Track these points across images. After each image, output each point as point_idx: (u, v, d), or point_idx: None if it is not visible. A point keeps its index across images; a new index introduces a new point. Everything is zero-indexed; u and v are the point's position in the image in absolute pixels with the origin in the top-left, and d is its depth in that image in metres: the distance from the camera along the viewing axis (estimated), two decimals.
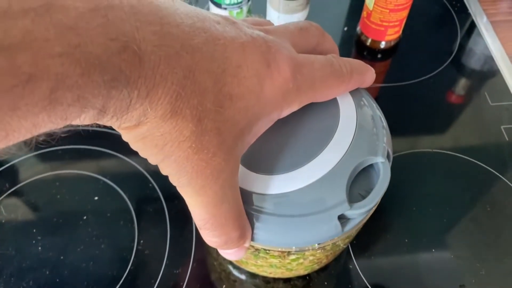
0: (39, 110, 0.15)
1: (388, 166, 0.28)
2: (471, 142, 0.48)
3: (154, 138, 0.20)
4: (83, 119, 0.18)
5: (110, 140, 0.46)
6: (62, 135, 0.19)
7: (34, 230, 0.41)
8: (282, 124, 0.27)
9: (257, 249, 0.29)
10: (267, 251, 0.29)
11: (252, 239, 0.27)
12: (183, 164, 0.21)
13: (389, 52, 0.56)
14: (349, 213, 0.27)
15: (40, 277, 0.39)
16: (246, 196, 0.26)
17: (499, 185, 0.45)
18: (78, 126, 0.20)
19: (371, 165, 0.29)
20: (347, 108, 0.29)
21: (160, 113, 0.19)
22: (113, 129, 0.49)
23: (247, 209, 0.26)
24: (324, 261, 0.34)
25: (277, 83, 0.23)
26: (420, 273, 0.40)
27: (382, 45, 0.55)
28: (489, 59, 0.56)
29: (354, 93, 0.30)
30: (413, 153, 0.47)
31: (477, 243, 0.41)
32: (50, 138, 0.20)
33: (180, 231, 0.41)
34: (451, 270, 0.40)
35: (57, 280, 0.38)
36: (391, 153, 0.29)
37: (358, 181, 0.28)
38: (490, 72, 0.55)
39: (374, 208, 0.29)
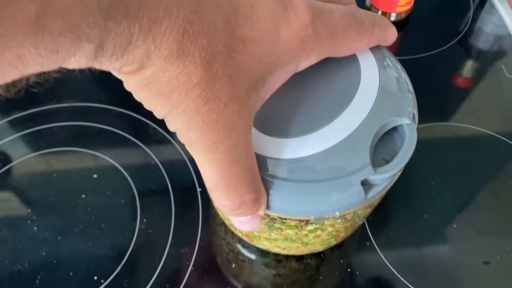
0: (23, 38, 0.13)
1: (414, 128, 0.26)
2: (489, 115, 0.46)
3: (160, 85, 0.18)
4: (78, 57, 0.15)
5: (108, 116, 0.44)
6: (55, 75, 0.17)
7: (29, 210, 0.38)
8: (299, 83, 0.25)
9: (272, 219, 0.27)
10: (284, 221, 0.27)
11: (268, 208, 0.25)
12: (192, 116, 0.18)
13: (400, 25, 0.54)
14: (373, 178, 0.24)
15: (36, 258, 0.36)
16: (261, 161, 0.24)
17: None
18: (74, 70, 0.17)
19: (394, 130, 0.26)
20: (369, 67, 0.27)
21: (166, 53, 0.17)
22: (110, 105, 0.46)
23: (262, 175, 0.24)
24: (342, 235, 0.32)
25: (294, 29, 0.21)
26: (441, 249, 0.37)
27: (393, 17, 0.52)
28: (504, 31, 0.54)
29: (376, 52, 0.27)
30: (430, 127, 0.45)
31: (500, 218, 0.39)
32: (42, 79, 0.17)
33: (185, 209, 0.39)
34: (474, 246, 0.38)
35: (54, 261, 0.36)
36: (416, 115, 0.27)
37: (381, 145, 0.26)
38: (505, 44, 0.53)
39: (398, 174, 0.27)
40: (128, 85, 0.19)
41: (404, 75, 0.28)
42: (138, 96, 0.19)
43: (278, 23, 0.20)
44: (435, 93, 0.48)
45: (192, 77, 0.18)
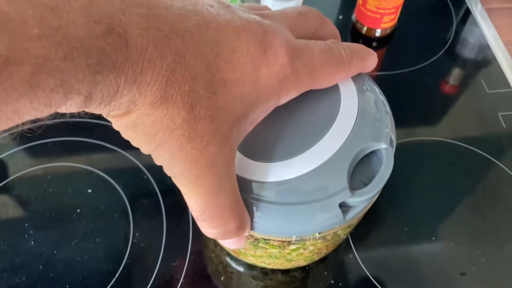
0: (19, 95, 0.14)
1: (391, 152, 0.27)
2: (468, 129, 0.48)
3: (145, 127, 0.19)
4: (69, 106, 0.17)
5: (102, 131, 0.45)
6: (48, 123, 0.18)
7: (26, 225, 0.40)
8: (281, 110, 0.27)
9: (256, 239, 0.29)
10: (267, 241, 0.29)
11: (252, 229, 0.26)
12: (176, 153, 0.20)
13: (384, 40, 0.56)
14: (350, 200, 0.26)
15: (33, 272, 0.38)
16: (245, 185, 0.26)
17: (497, 172, 0.45)
18: (65, 114, 0.19)
19: (373, 153, 0.28)
20: (348, 93, 0.28)
21: (150, 100, 0.18)
22: (105, 120, 0.48)
23: (246, 198, 0.25)
24: (324, 252, 0.34)
25: (274, 69, 0.22)
26: (420, 261, 0.39)
27: (378, 33, 0.54)
28: (485, 46, 0.56)
29: (356, 78, 0.29)
30: (410, 142, 0.47)
31: (476, 231, 0.41)
32: (36, 127, 0.19)
33: (176, 223, 0.40)
34: (451, 258, 0.40)
35: (51, 275, 0.38)
36: (394, 139, 0.29)
37: (361, 168, 0.27)
38: (486, 60, 0.55)
39: (376, 196, 0.29)
40: (116, 126, 0.20)
41: (382, 98, 0.30)
42: (125, 136, 0.21)
43: (257, 65, 0.22)
44: (416, 108, 0.50)
45: (175, 119, 0.19)
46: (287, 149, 0.26)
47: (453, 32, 0.57)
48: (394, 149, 0.28)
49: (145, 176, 0.43)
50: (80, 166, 0.43)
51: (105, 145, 0.44)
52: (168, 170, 0.21)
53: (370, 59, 0.28)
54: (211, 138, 0.20)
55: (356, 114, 0.27)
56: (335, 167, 0.26)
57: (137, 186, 0.42)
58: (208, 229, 0.24)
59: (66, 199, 0.42)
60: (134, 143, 0.21)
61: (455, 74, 0.53)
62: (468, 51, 0.55)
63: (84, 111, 0.18)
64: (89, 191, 0.42)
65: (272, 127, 0.27)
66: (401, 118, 0.48)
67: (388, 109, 0.29)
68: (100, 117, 0.46)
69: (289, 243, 0.29)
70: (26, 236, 0.39)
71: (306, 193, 0.25)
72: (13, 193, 0.42)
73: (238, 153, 0.26)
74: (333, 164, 0.26)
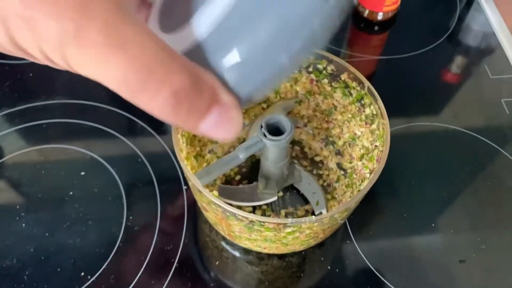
0: None
1: None
2: (471, 115, 0.47)
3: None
4: None
5: (96, 113, 0.44)
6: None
7: (18, 207, 0.39)
8: None
9: (251, 221, 0.28)
10: (262, 223, 0.28)
11: (238, 93, 0.19)
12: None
13: (386, 24, 0.54)
14: None
15: (25, 254, 0.37)
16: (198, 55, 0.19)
17: (499, 159, 0.44)
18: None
19: None
20: None
21: None
22: (101, 103, 0.46)
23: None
24: (321, 236, 0.33)
25: None
26: (419, 248, 0.39)
27: (380, 16, 0.53)
28: (489, 32, 0.54)
29: None
30: (412, 127, 0.46)
31: (477, 217, 0.40)
32: None
33: (171, 206, 0.40)
34: (451, 244, 0.39)
35: (42, 257, 0.37)
36: None
37: None
38: (490, 45, 0.53)
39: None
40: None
41: None
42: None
43: None
44: (418, 93, 0.49)
45: None
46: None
47: (457, 17, 0.56)
48: None
49: (139, 160, 0.42)
50: (74, 148, 0.43)
51: (99, 128, 0.43)
52: (73, 64, 0.16)
53: None
54: None
55: None
56: None
57: (131, 169, 0.41)
58: (148, 101, 0.17)
59: (59, 181, 0.41)
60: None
61: (458, 59, 0.52)
62: (471, 37, 0.54)
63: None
64: (82, 173, 0.41)
65: None
66: (403, 103, 0.48)
67: None
68: (93, 99, 0.45)
69: (285, 225, 0.28)
70: (17, 218, 0.39)
71: None
72: (5, 175, 0.41)
73: (164, 35, 0.20)
74: None
